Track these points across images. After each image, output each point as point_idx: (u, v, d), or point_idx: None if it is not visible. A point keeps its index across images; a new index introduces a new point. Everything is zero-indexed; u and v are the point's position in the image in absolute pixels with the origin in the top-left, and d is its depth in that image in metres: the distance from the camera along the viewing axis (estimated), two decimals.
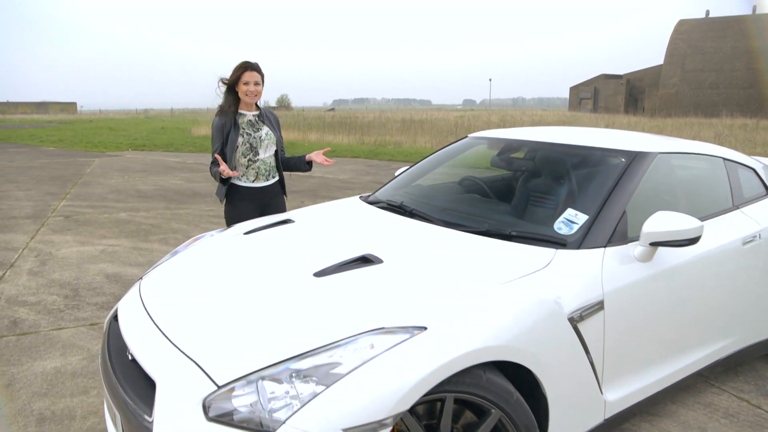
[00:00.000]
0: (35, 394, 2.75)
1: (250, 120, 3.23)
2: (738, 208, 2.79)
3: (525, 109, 69.18)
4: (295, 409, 1.45)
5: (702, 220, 2.21)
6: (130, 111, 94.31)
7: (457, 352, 1.57)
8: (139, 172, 11.81)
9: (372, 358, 1.52)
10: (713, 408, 2.69)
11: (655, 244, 2.15)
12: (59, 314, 3.77)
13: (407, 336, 1.58)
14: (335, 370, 1.51)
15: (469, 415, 1.74)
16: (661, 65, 51.75)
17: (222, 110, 3.20)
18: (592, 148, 2.61)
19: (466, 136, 3.37)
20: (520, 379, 1.81)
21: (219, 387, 1.52)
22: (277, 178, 3.36)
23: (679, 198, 2.72)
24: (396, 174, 3.49)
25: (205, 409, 1.50)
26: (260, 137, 3.21)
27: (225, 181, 3.18)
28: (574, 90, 63.03)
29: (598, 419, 2.06)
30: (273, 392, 1.49)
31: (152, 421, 1.54)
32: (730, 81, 46.93)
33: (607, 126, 24.57)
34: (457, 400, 1.63)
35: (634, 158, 2.44)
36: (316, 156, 3.29)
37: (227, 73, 3.17)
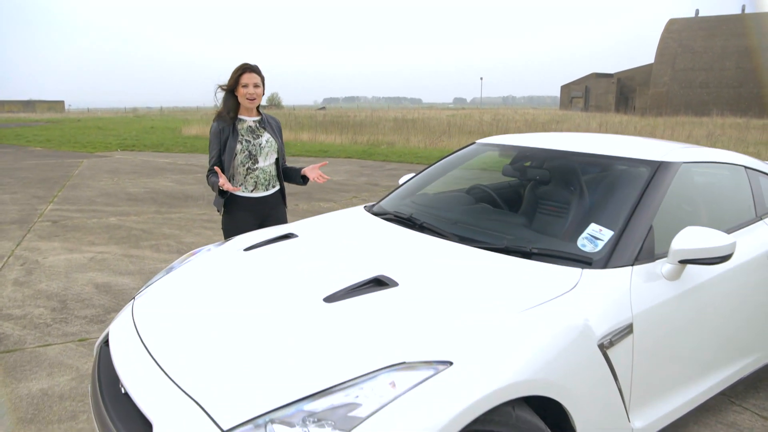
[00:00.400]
0: (21, 421, 2.57)
1: (250, 126, 3.08)
2: (761, 219, 2.68)
3: (516, 108, 69.23)
4: None
5: (726, 233, 2.09)
6: (119, 110, 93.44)
7: (487, 390, 1.43)
8: (128, 173, 11.57)
9: (394, 399, 1.37)
10: (736, 428, 2.57)
11: (685, 262, 2.02)
12: (46, 329, 3.59)
13: (431, 372, 1.43)
14: (354, 413, 1.36)
15: None
16: (651, 64, 51.99)
17: (220, 116, 3.04)
18: (612, 158, 2.47)
19: (474, 143, 3.22)
20: (545, 408, 1.68)
21: None
22: (277, 188, 3.20)
23: (700, 209, 2.59)
24: (400, 182, 3.34)
25: None
26: (260, 144, 3.06)
27: (223, 193, 3.01)
28: (566, 89, 63.17)
29: None
30: None
31: None
32: (720, 80, 47.22)
33: (599, 125, 24.58)
34: None
35: (658, 168, 2.30)
36: (311, 172, 3.13)
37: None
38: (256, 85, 2.98)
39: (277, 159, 3.16)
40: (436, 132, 21.50)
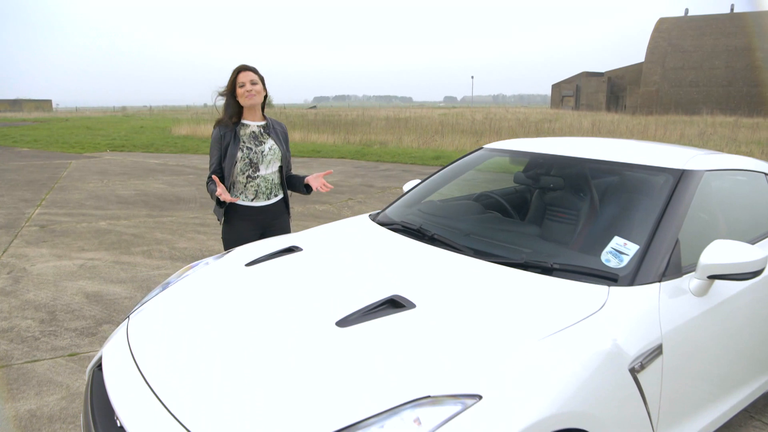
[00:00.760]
0: None
1: (253, 131, 2.94)
2: None
3: (508, 106, 69.26)
4: None
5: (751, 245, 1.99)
6: (108, 108, 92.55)
7: (519, 426, 1.31)
8: (118, 175, 11.36)
9: None
10: None
11: (714, 277, 1.92)
12: (34, 343, 3.43)
13: (459, 408, 1.31)
14: None
15: None
16: (642, 63, 52.21)
17: (221, 121, 2.93)
18: (631, 165, 2.36)
19: (481, 148, 3.11)
20: None
21: None
22: (280, 197, 3.07)
23: (718, 218, 2.49)
24: (405, 188, 3.22)
25: None
26: (262, 152, 2.92)
27: (222, 203, 2.88)
28: (556, 87, 63.33)
29: None
30: None
31: None
32: (710, 79, 47.51)
33: (592, 124, 24.58)
34: None
35: (681, 177, 2.20)
36: (314, 181, 2.99)
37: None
38: (253, 83, 2.86)
39: (280, 167, 3.02)
40: (429, 131, 21.39)
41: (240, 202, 2.95)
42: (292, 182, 3.10)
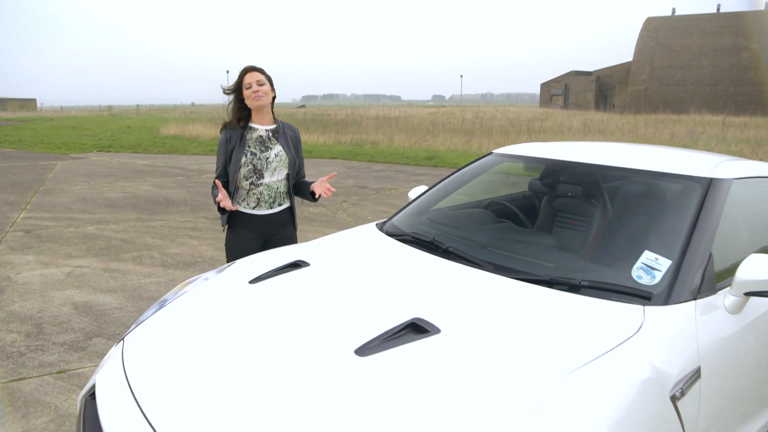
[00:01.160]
0: None
1: (260, 136, 2.80)
2: None
3: (497, 105, 69.36)
4: None
5: None
6: (93, 108, 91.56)
7: None
8: (106, 176, 11.12)
9: None
10: None
11: (751, 294, 1.81)
12: (20, 359, 3.25)
13: None
14: None
15: None
16: (630, 62, 52.52)
17: (228, 125, 2.81)
18: (655, 173, 2.24)
19: (491, 153, 2.98)
20: None
21: None
22: (285, 206, 2.92)
23: (740, 228, 2.38)
24: (410, 195, 3.08)
25: None
26: (267, 158, 2.78)
27: (223, 210, 2.74)
28: (545, 86, 63.54)
29: None
30: None
31: None
32: (697, 78, 47.90)
33: (582, 123, 24.61)
34: None
35: (710, 186, 2.08)
36: (319, 187, 2.83)
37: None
38: (259, 83, 2.73)
39: (288, 175, 2.88)
40: (420, 131, 21.28)
41: (241, 209, 2.82)
42: (300, 189, 2.96)
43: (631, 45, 53.22)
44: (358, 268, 2.13)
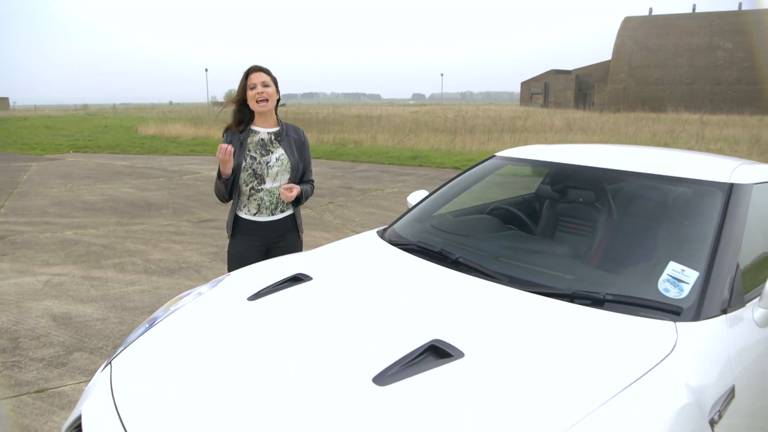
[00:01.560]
0: None
1: (262, 139, 2.66)
2: None
3: (478, 104, 69.57)
4: None
5: None
6: (68, 107, 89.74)
7: None
8: (83, 178, 10.79)
9: None
10: None
11: None
12: None
13: None
14: None
15: None
16: (608, 61, 53.08)
17: (229, 128, 2.69)
18: (672, 178, 2.14)
19: (493, 156, 2.87)
20: None
21: None
22: (287, 213, 2.78)
23: (755, 235, 2.30)
24: (409, 200, 2.96)
25: None
26: (267, 162, 2.64)
27: (224, 182, 2.60)
28: (525, 85, 63.95)
29: None
30: None
31: None
32: (674, 77, 48.62)
33: (564, 122, 24.74)
34: None
35: (731, 191, 1.99)
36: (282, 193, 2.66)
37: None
38: (264, 84, 2.59)
39: (290, 180, 2.74)
40: (403, 130, 21.17)
41: (243, 215, 2.70)
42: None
43: (609, 44, 53.84)
44: (364, 282, 1.99)
